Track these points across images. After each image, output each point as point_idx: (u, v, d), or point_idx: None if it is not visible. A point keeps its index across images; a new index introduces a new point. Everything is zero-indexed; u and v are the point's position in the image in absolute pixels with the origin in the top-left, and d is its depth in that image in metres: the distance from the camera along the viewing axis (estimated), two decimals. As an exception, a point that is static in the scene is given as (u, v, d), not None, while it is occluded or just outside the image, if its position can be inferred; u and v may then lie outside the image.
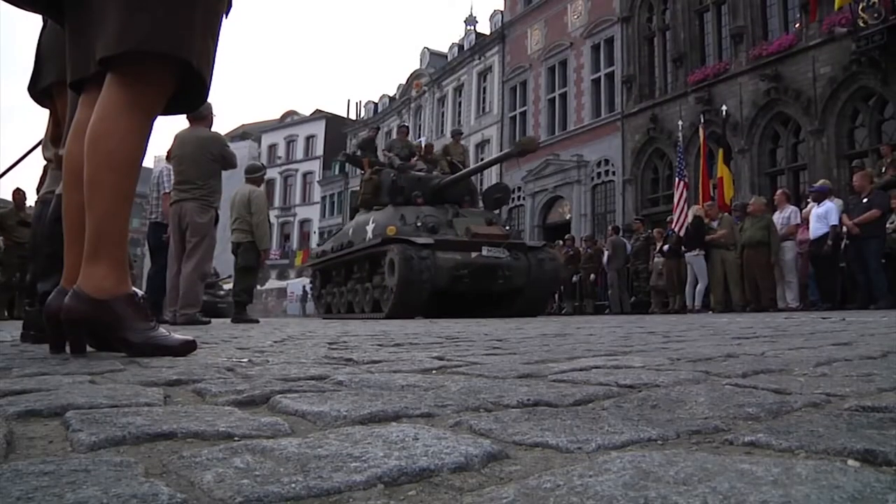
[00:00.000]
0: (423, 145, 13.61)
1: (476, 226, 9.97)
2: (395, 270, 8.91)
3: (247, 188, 7.90)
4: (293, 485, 0.48)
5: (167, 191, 6.57)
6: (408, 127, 15.26)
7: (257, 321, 7.51)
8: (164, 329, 1.76)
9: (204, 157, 6.04)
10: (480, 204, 11.44)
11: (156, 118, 1.73)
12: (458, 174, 11.31)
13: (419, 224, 9.67)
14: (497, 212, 11.57)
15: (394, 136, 14.47)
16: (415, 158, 12.19)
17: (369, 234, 10.46)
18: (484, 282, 9.40)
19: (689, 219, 11.32)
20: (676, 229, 12.19)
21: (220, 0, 1.76)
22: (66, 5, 1.77)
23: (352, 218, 13.02)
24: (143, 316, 1.69)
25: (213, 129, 6.53)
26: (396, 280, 8.84)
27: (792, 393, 0.92)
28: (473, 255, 9.36)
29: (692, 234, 10.87)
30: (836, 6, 13.64)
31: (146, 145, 1.71)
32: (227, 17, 1.86)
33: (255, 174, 8.19)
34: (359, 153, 13.08)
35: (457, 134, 14.21)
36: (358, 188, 12.39)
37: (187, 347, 1.71)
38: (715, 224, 10.68)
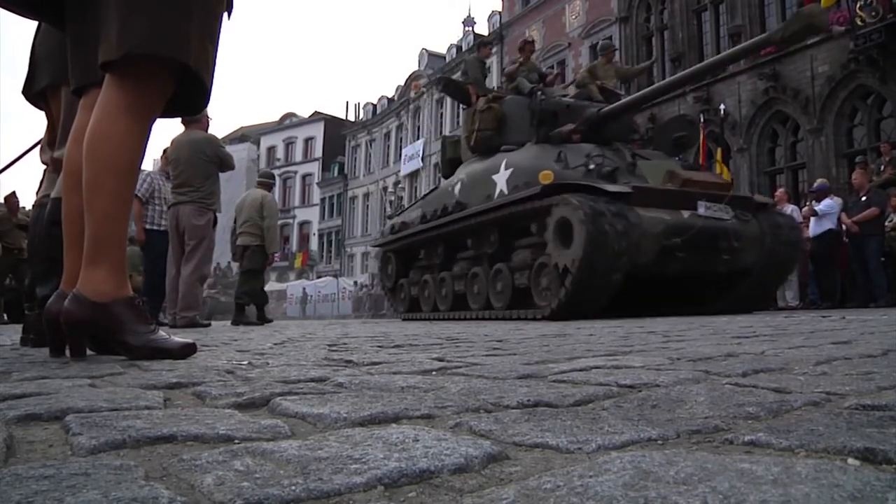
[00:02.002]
0: (554, 72, 10.70)
1: (681, 171, 6.86)
2: (572, 237, 5.81)
3: (258, 192, 8.02)
4: (293, 487, 0.48)
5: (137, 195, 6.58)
6: (533, 41, 10.40)
7: (259, 322, 7.61)
8: (163, 332, 1.76)
9: (200, 160, 6.05)
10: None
11: (154, 121, 1.73)
12: (634, 97, 7.99)
13: (591, 167, 6.45)
14: (677, 159, 7.89)
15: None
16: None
17: (501, 187, 7.29)
18: (703, 257, 6.28)
19: None
20: None
21: (219, 3, 1.76)
22: (67, 13, 1.78)
23: (446, 175, 9.48)
24: (143, 319, 1.69)
25: (211, 131, 6.55)
26: (578, 253, 5.70)
27: (792, 392, 0.92)
28: (686, 214, 6.24)
29: None
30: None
31: (145, 148, 1.71)
32: (228, 19, 1.86)
33: (267, 179, 8.41)
34: (462, 79, 9.51)
35: (608, 49, 9.61)
36: (467, 125, 8.67)
37: (187, 350, 1.71)
38: None
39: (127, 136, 1.64)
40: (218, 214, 6.38)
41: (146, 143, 1.72)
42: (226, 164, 6.32)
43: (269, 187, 8.24)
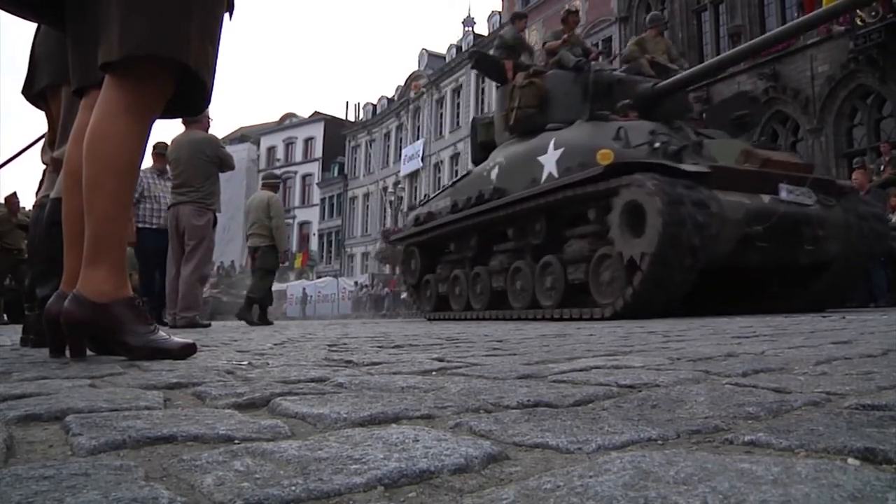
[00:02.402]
0: (598, 49, 9.83)
1: (758, 150, 6.16)
2: (643, 224, 5.19)
3: (265, 194, 8.13)
4: (293, 487, 0.48)
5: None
6: (577, 11, 9.51)
7: (259, 323, 7.62)
8: (163, 332, 1.76)
9: (200, 160, 6.07)
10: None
11: (154, 121, 1.73)
12: (693, 70, 7.19)
13: (655, 146, 5.68)
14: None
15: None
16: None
17: (550, 169, 6.51)
18: (785, 247, 5.60)
19: None
20: None
21: (220, 4, 1.76)
22: (68, 14, 1.78)
23: (478, 160, 8.64)
24: (143, 319, 1.69)
25: (211, 131, 6.56)
26: (651, 243, 5.07)
27: (792, 392, 0.92)
28: (766, 199, 5.58)
29: None
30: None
31: (144, 148, 1.71)
32: (230, 19, 1.86)
33: (272, 180, 8.48)
34: (497, 54, 8.67)
35: (657, 21, 8.68)
36: (504, 103, 7.86)
37: (187, 351, 1.71)
38: None
39: (127, 136, 1.65)
40: (218, 214, 6.39)
41: (146, 143, 1.72)
42: (226, 164, 6.33)
43: (274, 188, 8.33)
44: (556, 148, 6.59)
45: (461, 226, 7.88)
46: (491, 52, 9.47)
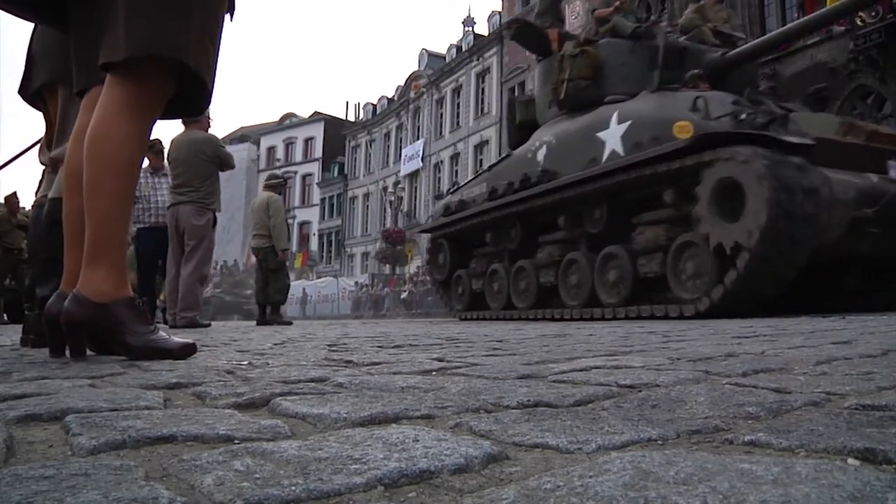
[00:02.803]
0: (652, 19, 8.78)
1: (862, 123, 5.54)
2: (740, 205, 4.56)
3: (265, 195, 8.20)
4: (293, 487, 0.48)
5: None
6: None
7: (290, 322, 7.84)
8: (163, 332, 1.76)
9: (199, 160, 6.09)
10: None
11: (155, 120, 1.73)
12: (767, 38, 6.65)
13: (742, 118, 4.98)
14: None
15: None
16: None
17: (613, 146, 5.79)
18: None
19: None
20: None
21: (220, 5, 1.76)
22: (71, 17, 1.78)
23: (516, 143, 7.86)
24: (143, 319, 1.69)
25: (211, 131, 6.57)
26: (754, 227, 4.42)
27: (792, 392, 0.92)
28: (874, 178, 4.95)
29: None
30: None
31: (145, 147, 1.72)
32: (231, 20, 1.86)
33: (272, 181, 8.50)
34: (538, 22, 7.98)
35: None
36: (551, 76, 7.14)
37: (187, 351, 1.71)
38: None
39: (128, 137, 1.65)
40: (217, 214, 6.40)
41: (147, 143, 1.72)
42: (226, 163, 6.34)
43: (275, 188, 8.35)
44: (620, 122, 5.83)
45: (500, 214, 7.15)
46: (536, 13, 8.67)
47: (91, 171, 1.63)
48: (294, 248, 43.34)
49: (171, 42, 1.63)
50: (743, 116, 5.02)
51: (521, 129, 7.98)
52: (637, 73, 6.37)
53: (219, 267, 25.27)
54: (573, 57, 6.73)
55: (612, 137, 5.89)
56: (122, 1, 1.62)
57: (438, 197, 9.99)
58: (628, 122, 5.81)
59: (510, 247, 7.35)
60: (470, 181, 8.64)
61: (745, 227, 4.53)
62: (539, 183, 6.56)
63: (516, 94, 20.41)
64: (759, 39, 6.68)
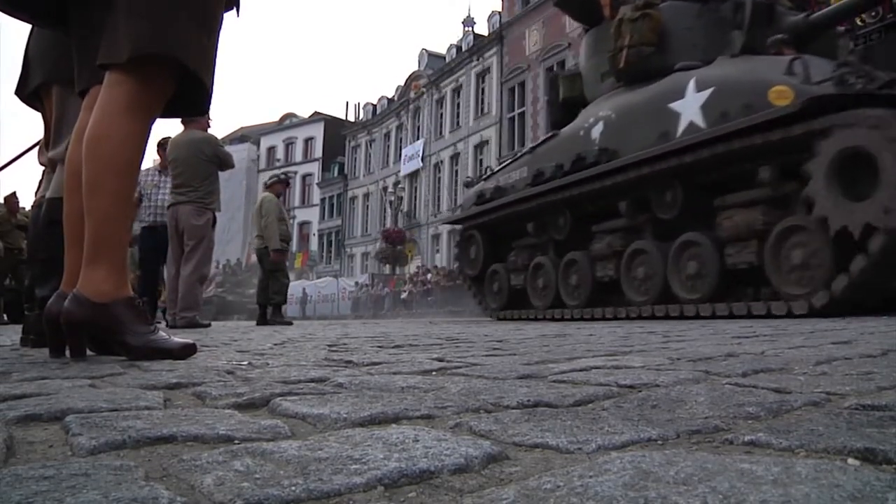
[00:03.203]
0: None
1: None
2: (868, 181, 4.01)
3: (263, 195, 8.30)
4: (293, 487, 0.48)
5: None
6: None
7: (290, 323, 8.00)
8: (163, 332, 1.76)
9: (198, 159, 6.10)
10: None
11: (154, 120, 1.73)
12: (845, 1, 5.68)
13: (850, 82, 4.31)
14: None
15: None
16: None
17: (691, 117, 5.13)
18: None
19: None
20: None
21: (218, 4, 1.76)
22: (71, 18, 1.78)
23: (560, 122, 7.08)
24: (143, 319, 1.69)
25: (211, 131, 6.59)
26: (890, 210, 3.89)
27: (792, 392, 0.92)
28: None
29: None
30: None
31: (145, 147, 1.72)
32: (238, 16, 1.87)
33: (270, 181, 8.56)
34: None
35: None
36: (607, 43, 6.43)
37: (187, 351, 1.71)
38: None
39: (128, 137, 1.65)
40: (217, 214, 6.41)
41: (146, 142, 1.72)
42: (225, 163, 6.34)
43: (273, 188, 8.35)
44: (699, 90, 5.12)
45: (547, 201, 6.42)
46: None
47: (90, 171, 1.63)
48: (294, 248, 43.35)
49: (170, 42, 1.63)
50: (851, 81, 4.29)
51: (565, 106, 7.26)
52: (707, 37, 5.67)
53: (221, 266, 25.22)
54: (633, 21, 5.99)
55: (690, 108, 5.16)
56: (122, 2, 1.62)
57: (468, 185, 8.89)
58: (710, 90, 5.06)
59: (557, 237, 6.63)
60: (507, 165, 7.75)
61: (879, 203, 3.90)
62: (597, 163, 5.84)
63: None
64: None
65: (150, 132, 1.73)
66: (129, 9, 1.62)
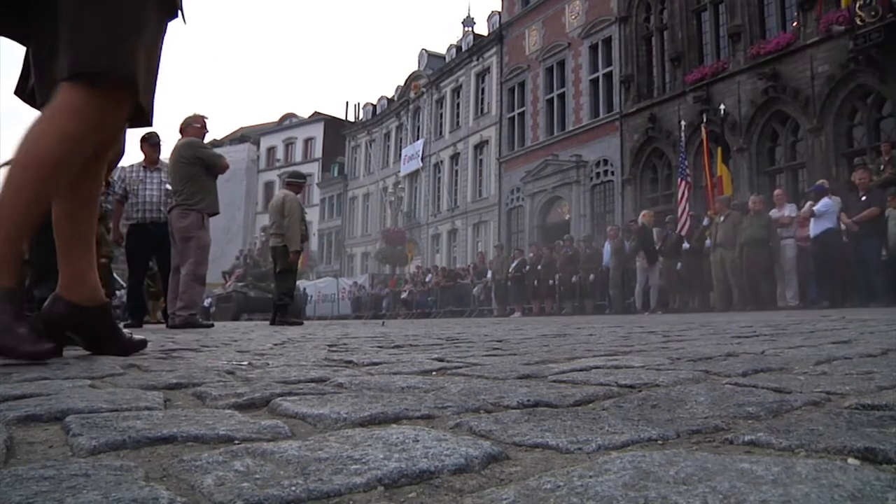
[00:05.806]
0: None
1: None
2: None
3: (282, 193, 8.17)
4: (293, 488, 0.48)
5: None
6: None
7: (301, 322, 7.82)
8: (127, 332, 1.82)
9: (180, 164, 6.24)
10: None
11: (100, 132, 1.71)
12: None
13: None
14: None
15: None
16: None
17: None
18: None
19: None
20: (678, 228, 12.30)
21: (159, 15, 1.77)
22: (32, 31, 1.80)
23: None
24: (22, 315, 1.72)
25: (211, 132, 6.67)
26: None
27: (792, 392, 0.92)
28: None
29: (640, 240, 12.02)
30: (842, 4, 13.69)
31: (80, 155, 1.69)
32: (185, 23, 1.86)
33: (292, 179, 8.49)
34: None
35: None
36: None
37: (138, 346, 1.83)
38: (721, 219, 10.71)
39: (62, 136, 1.64)
40: (217, 215, 6.45)
41: (84, 151, 1.70)
42: (211, 164, 6.34)
43: (294, 187, 8.31)
44: None
45: None
46: None
47: (14, 167, 1.62)
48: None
49: (110, 57, 1.63)
50: None
51: None
52: None
53: (242, 256, 24.48)
54: None
55: None
56: (67, 19, 1.63)
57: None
58: None
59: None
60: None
61: None
62: None
63: (514, 94, 19.16)
64: None
65: (90, 143, 1.70)
66: (71, 25, 1.63)
